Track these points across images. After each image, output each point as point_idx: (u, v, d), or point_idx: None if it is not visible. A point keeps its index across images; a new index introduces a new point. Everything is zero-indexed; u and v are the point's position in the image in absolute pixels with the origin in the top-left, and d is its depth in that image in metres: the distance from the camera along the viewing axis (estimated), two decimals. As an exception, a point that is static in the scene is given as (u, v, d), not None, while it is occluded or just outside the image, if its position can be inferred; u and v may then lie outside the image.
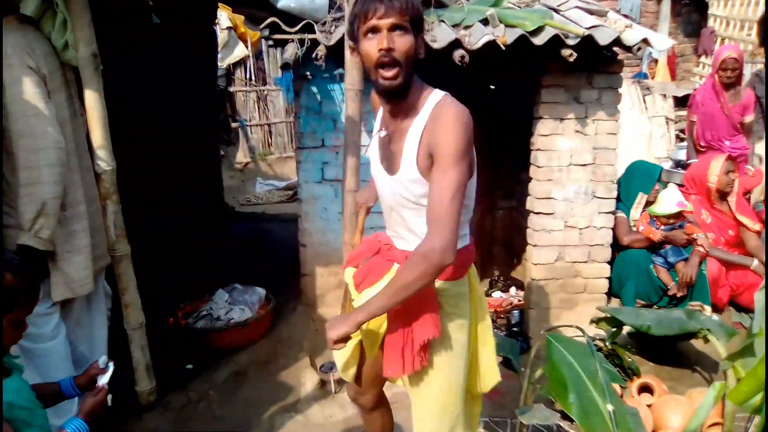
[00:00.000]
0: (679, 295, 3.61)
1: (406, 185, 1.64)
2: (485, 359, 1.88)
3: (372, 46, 1.52)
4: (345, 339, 1.60)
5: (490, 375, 1.89)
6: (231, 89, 10.09)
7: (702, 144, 4.66)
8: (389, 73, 1.52)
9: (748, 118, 4.52)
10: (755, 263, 3.74)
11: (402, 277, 1.52)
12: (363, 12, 1.52)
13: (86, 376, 1.81)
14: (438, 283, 1.67)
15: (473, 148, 1.60)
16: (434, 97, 1.60)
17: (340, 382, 3.16)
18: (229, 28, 9.46)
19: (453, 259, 1.50)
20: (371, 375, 2.01)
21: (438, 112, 1.55)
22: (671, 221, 3.74)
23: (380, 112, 1.78)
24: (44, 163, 2.22)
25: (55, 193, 2.25)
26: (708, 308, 3.52)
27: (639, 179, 3.93)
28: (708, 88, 4.63)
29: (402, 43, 1.50)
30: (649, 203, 3.89)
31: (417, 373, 1.70)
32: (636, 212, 3.90)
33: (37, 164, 2.20)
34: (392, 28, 1.49)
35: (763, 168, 4.73)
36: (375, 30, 1.51)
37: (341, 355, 1.94)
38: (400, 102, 1.61)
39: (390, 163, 1.69)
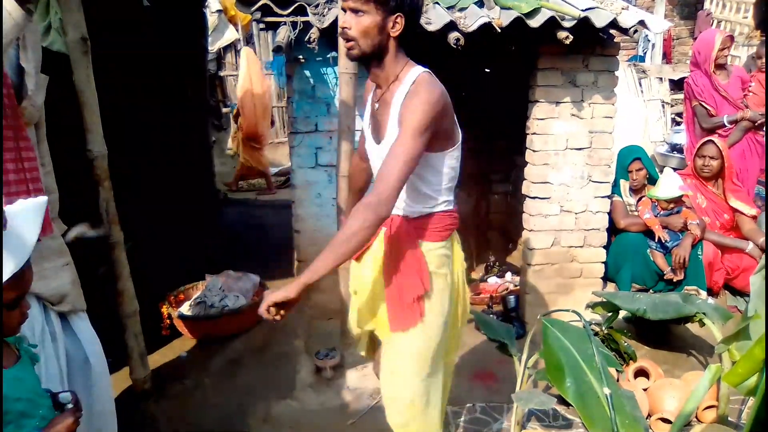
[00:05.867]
0: (675, 279, 3.62)
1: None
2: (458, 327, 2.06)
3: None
4: (284, 305, 1.75)
5: (456, 343, 2.10)
6: (221, 74, 9.99)
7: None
8: (347, 45, 1.74)
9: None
10: (750, 246, 3.74)
11: (345, 228, 1.67)
12: None
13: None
14: (424, 245, 1.83)
15: (446, 122, 1.74)
16: (414, 73, 1.75)
17: (335, 368, 3.16)
18: (218, 11, 9.34)
19: (388, 213, 1.68)
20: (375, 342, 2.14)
21: (415, 89, 1.71)
22: (671, 206, 3.74)
23: (371, 93, 1.92)
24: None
25: None
26: (703, 292, 3.53)
27: (618, 168, 3.92)
28: (700, 77, 4.50)
29: (357, 23, 1.69)
30: (633, 189, 3.91)
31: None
32: (627, 198, 3.89)
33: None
34: (352, 9, 1.69)
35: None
36: (344, 9, 1.72)
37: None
38: (373, 69, 1.79)
39: (378, 133, 1.86)
